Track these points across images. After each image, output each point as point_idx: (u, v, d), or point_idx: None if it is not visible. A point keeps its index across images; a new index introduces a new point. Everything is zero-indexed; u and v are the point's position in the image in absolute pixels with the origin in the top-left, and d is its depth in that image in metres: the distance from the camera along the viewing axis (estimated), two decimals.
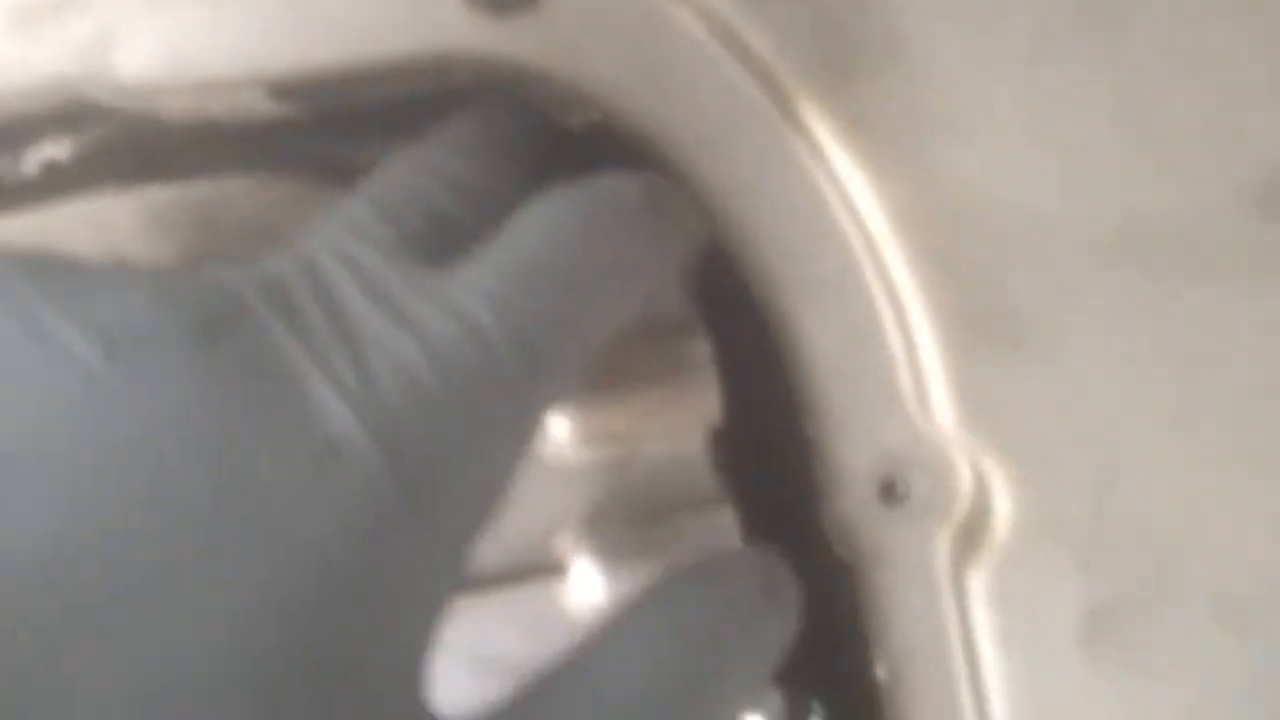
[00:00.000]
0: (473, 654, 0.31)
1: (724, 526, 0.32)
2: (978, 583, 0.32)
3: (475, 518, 0.23)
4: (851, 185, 0.29)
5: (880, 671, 0.32)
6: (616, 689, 0.23)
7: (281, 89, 0.27)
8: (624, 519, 0.31)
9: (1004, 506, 0.31)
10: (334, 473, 0.20)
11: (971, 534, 0.32)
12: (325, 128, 0.29)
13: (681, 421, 0.31)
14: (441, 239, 0.24)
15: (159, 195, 0.28)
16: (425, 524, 0.21)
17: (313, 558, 0.20)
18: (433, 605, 0.22)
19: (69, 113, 0.28)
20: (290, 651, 0.19)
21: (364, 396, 0.21)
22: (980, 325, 0.30)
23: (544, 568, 0.32)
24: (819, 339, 0.31)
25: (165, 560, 0.19)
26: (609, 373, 0.30)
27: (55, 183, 0.31)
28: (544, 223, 0.25)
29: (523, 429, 0.24)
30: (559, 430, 0.31)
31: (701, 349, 0.31)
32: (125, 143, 0.30)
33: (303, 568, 0.20)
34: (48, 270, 0.21)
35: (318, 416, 0.20)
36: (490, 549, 0.31)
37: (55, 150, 0.31)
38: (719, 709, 0.25)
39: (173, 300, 0.21)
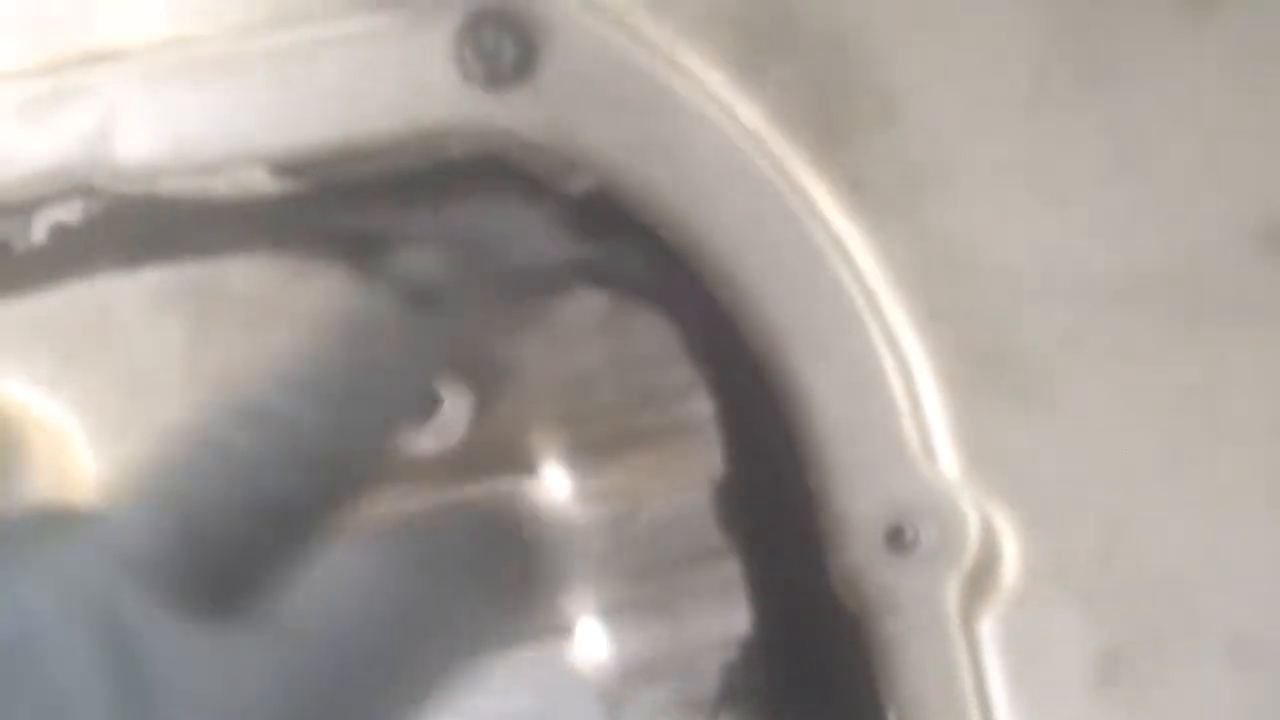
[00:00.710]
0: (482, 715, 0.31)
1: (729, 579, 0.32)
2: (988, 628, 0.32)
3: None
4: (850, 243, 0.29)
5: None
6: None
7: (282, 167, 0.27)
8: (629, 575, 0.32)
9: (1012, 552, 0.31)
10: None
11: (980, 580, 0.32)
12: (326, 200, 0.29)
13: (684, 478, 0.31)
14: (250, 557, 0.21)
15: (158, 276, 0.29)
16: None
17: None
18: None
19: (75, 191, 0.28)
20: None
21: None
22: (983, 374, 0.30)
23: (550, 627, 0.32)
24: (823, 393, 0.31)
25: None
26: (610, 433, 0.30)
27: (63, 251, 0.31)
28: (350, 582, 0.22)
29: None
30: (562, 489, 0.31)
31: (702, 407, 0.31)
32: (131, 213, 0.30)
33: None
34: None
35: None
36: None
37: (65, 214, 0.31)
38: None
39: None
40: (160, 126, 0.26)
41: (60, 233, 0.32)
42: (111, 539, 0.20)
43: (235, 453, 0.21)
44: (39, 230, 0.33)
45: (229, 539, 0.21)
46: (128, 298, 0.29)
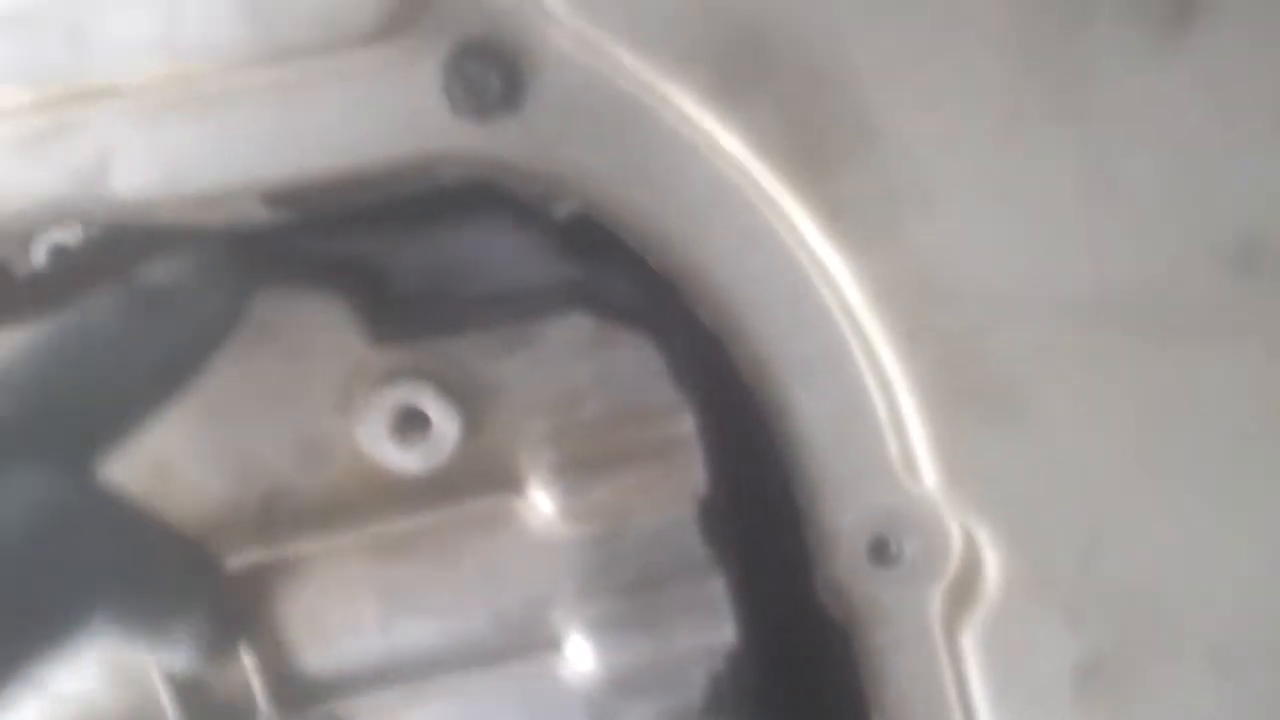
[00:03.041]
0: None
1: (715, 593, 0.33)
2: (970, 640, 0.33)
3: None
4: (832, 266, 0.30)
5: None
6: None
7: (276, 197, 0.28)
8: (616, 590, 0.32)
9: (993, 565, 0.32)
10: None
11: (962, 592, 0.32)
12: (319, 228, 0.29)
13: (670, 494, 0.32)
14: None
15: None
16: None
17: None
18: None
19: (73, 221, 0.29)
20: None
21: None
22: (962, 392, 0.31)
23: (539, 642, 0.32)
24: (808, 412, 0.31)
25: None
26: (597, 451, 0.31)
27: (63, 275, 0.32)
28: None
29: None
30: (549, 507, 0.31)
31: (686, 425, 0.31)
32: (127, 237, 0.31)
33: None
34: None
35: None
36: (485, 625, 0.31)
37: (65, 236, 0.32)
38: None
39: None
40: (156, 160, 0.27)
41: (59, 255, 0.33)
42: None
43: None
44: (39, 253, 0.34)
45: None
46: None
